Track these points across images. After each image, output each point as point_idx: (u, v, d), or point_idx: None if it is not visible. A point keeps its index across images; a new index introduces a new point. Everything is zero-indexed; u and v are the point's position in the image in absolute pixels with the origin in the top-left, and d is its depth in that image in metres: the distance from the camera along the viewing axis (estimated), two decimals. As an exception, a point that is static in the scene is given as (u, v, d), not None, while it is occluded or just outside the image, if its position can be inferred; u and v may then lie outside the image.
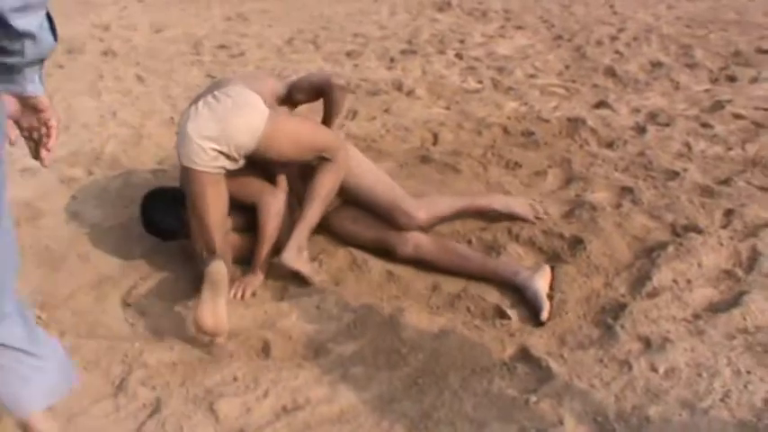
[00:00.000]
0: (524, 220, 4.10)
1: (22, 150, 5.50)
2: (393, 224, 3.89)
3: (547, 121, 5.74)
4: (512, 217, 4.11)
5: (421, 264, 3.79)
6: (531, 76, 7.24)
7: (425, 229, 3.93)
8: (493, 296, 3.46)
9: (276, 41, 9.34)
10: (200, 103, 3.62)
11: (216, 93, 3.64)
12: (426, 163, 5.02)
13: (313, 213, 3.79)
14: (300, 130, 3.80)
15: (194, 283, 3.59)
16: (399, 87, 6.91)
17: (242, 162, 3.65)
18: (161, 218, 3.86)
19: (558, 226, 4.03)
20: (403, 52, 8.43)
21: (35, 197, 4.81)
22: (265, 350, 3.20)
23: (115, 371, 3.10)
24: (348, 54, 8.47)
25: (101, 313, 3.55)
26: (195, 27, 10.56)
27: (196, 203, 3.60)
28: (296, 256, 3.60)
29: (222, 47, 9.13)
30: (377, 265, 3.81)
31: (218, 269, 3.32)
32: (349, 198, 4.04)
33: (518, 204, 4.17)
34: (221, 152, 3.54)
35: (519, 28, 9.66)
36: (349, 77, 7.27)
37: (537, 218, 4.12)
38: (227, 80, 3.84)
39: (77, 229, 4.40)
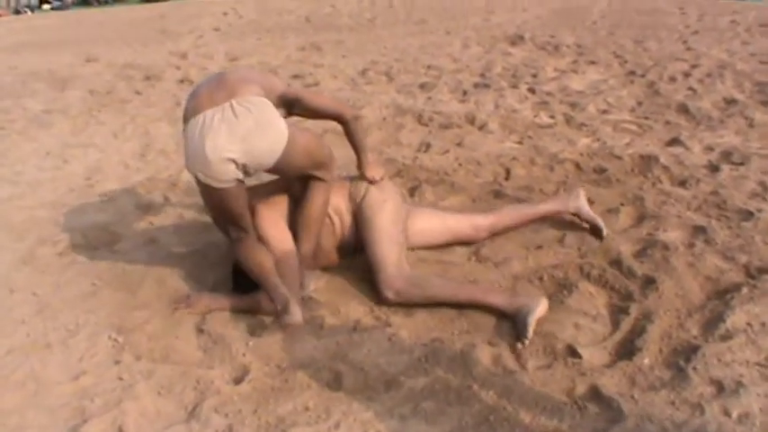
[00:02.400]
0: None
1: (101, 176, 5.68)
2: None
3: (619, 157, 5.73)
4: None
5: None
6: (604, 111, 7.23)
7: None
8: (565, 334, 3.46)
9: (350, 72, 9.47)
10: (217, 117, 3.54)
11: (234, 105, 3.57)
12: (499, 198, 5.05)
13: (308, 248, 3.97)
14: (310, 146, 3.83)
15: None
16: (472, 121, 6.97)
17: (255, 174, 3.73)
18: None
19: (630, 265, 4.02)
20: (476, 86, 8.51)
21: (112, 222, 4.96)
22: (337, 381, 3.24)
23: (188, 397, 3.18)
24: (421, 86, 8.56)
25: (175, 339, 3.63)
26: (270, 56, 10.75)
27: (216, 209, 3.79)
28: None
29: (296, 76, 9.29)
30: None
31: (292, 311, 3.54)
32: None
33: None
34: (240, 169, 3.58)
35: (592, 63, 9.66)
36: (422, 110, 7.33)
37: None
38: (242, 79, 3.74)
39: (154, 254, 4.53)
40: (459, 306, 3.74)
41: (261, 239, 3.87)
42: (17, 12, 18.35)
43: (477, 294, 3.77)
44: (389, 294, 3.80)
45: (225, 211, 3.75)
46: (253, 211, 3.94)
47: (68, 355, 3.50)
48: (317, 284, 4.06)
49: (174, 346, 3.56)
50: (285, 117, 3.92)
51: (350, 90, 8.51)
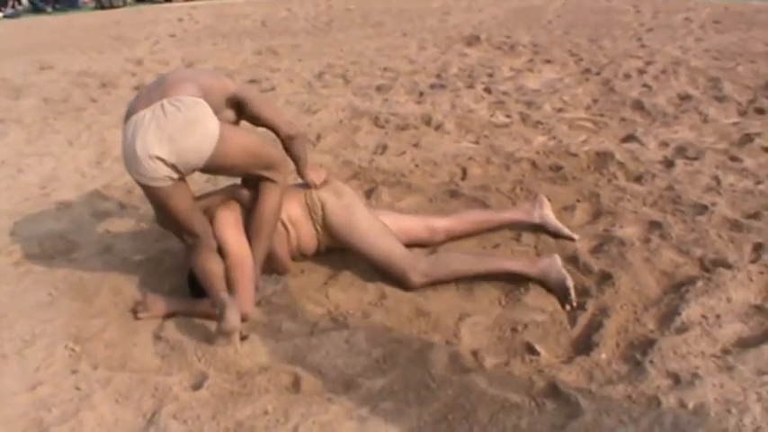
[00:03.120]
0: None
1: (57, 184, 5.61)
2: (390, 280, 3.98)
3: (575, 155, 5.76)
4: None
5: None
6: (560, 110, 7.27)
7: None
8: (522, 331, 3.46)
9: (306, 76, 9.45)
10: (148, 116, 3.51)
11: (165, 104, 3.53)
12: (455, 197, 5.05)
13: (261, 252, 3.92)
14: (248, 146, 3.76)
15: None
16: (428, 122, 6.97)
17: (190, 173, 3.68)
18: None
19: (586, 261, 4.04)
20: (432, 86, 8.52)
21: (69, 230, 4.91)
22: (295, 384, 3.21)
23: (147, 404, 3.13)
24: (378, 88, 8.56)
25: (132, 346, 3.58)
26: (226, 61, 10.72)
27: (161, 211, 3.77)
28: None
29: (253, 81, 9.27)
30: (406, 300, 3.83)
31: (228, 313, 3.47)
32: (347, 249, 4.14)
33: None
34: (171, 168, 3.52)
35: (547, 62, 9.72)
36: (379, 111, 7.33)
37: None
38: (179, 79, 3.72)
39: (110, 262, 4.48)
40: (482, 277, 3.86)
41: (217, 242, 3.83)
42: (-32, 21, 18.15)
43: (497, 263, 3.93)
44: (418, 278, 3.89)
45: (168, 213, 3.72)
46: (209, 215, 3.91)
47: (25, 366, 3.45)
48: (275, 288, 4.03)
49: (132, 354, 3.52)
50: (235, 121, 3.94)
51: (306, 93, 8.50)
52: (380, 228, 4.06)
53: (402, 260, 3.93)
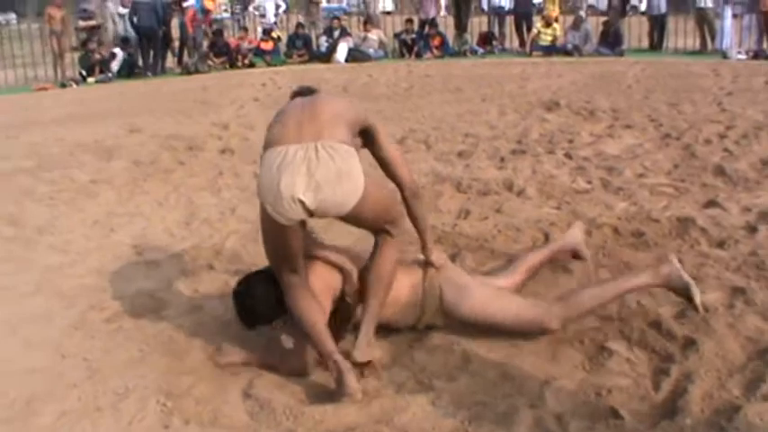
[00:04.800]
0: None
1: (147, 244, 5.81)
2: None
3: (657, 221, 5.78)
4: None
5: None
6: (641, 175, 7.29)
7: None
8: (607, 396, 3.50)
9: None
10: (300, 154, 3.47)
11: (319, 148, 3.47)
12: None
13: (378, 303, 3.89)
14: (383, 202, 3.77)
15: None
16: (510, 187, 7.05)
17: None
18: (256, 302, 4.01)
19: (670, 327, 4.06)
20: (513, 152, 8.61)
21: (158, 289, 5.06)
22: (383, 444, 3.28)
23: (237, 459, 3.23)
24: (459, 154, 8.67)
25: (222, 404, 3.68)
26: (309, 127, 10.87)
27: (274, 243, 3.78)
28: (366, 351, 3.74)
29: (336, 147, 9.40)
30: (491, 364, 3.89)
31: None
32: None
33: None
34: (307, 212, 3.52)
35: (627, 127, 9.74)
36: (461, 177, 7.43)
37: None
38: (333, 118, 3.66)
39: (200, 320, 4.61)
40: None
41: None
42: (63, 85, 18.70)
43: (621, 285, 4.15)
44: (556, 325, 4.01)
45: (280, 248, 3.75)
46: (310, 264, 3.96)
47: (119, 419, 3.57)
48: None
49: (222, 411, 3.61)
50: (360, 146, 3.93)
51: (389, 158, 8.62)
52: (496, 293, 4.15)
53: (534, 315, 4.02)
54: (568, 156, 8.26)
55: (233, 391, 3.79)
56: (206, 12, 22.71)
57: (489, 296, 4.10)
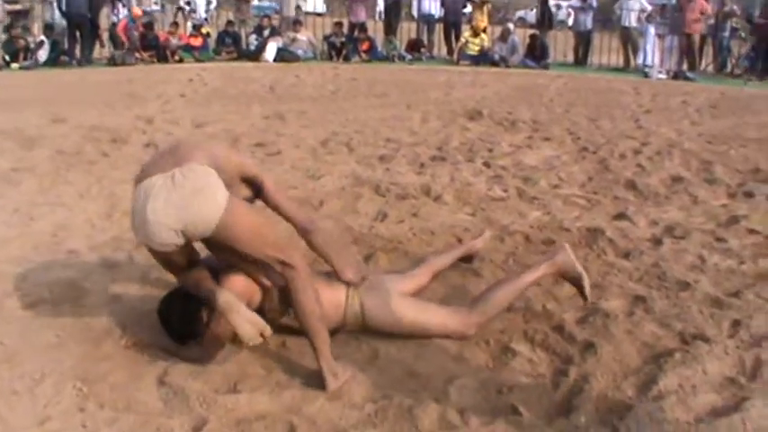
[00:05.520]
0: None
1: (67, 234, 5.78)
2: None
3: (567, 230, 5.97)
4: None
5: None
6: (556, 186, 7.50)
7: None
8: (508, 393, 3.64)
9: (311, 142, 9.65)
10: (159, 182, 3.54)
11: (176, 173, 3.54)
12: (449, 267, 5.21)
13: (321, 340, 3.80)
14: (253, 221, 3.74)
15: (225, 365, 3.89)
16: (428, 192, 7.17)
17: (197, 240, 3.75)
18: (178, 321, 4.06)
19: (572, 330, 4.22)
20: (433, 158, 8.75)
21: (78, 278, 5.03)
22: (291, 433, 3.37)
23: (149, 446, 3.28)
24: (380, 158, 8.77)
25: (136, 390, 3.71)
26: (234, 124, 10.92)
27: (168, 269, 3.96)
28: (336, 380, 3.72)
29: (259, 144, 9.46)
30: (397, 360, 4.00)
31: (225, 297, 3.72)
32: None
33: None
34: (178, 234, 3.56)
35: (546, 139, 9.99)
36: (380, 180, 7.53)
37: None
38: (193, 148, 3.77)
39: (118, 310, 4.61)
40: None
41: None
42: (-16, 71, 18.31)
43: (527, 279, 4.38)
44: (474, 330, 4.19)
45: (169, 269, 3.96)
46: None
47: (35, 402, 3.58)
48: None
49: (136, 397, 3.65)
50: (250, 199, 3.98)
51: (311, 159, 8.69)
52: (419, 307, 4.25)
53: (456, 324, 4.17)
54: (487, 164, 8.43)
55: (148, 379, 3.82)
56: (135, 20, 22.31)
57: (413, 311, 4.20)
